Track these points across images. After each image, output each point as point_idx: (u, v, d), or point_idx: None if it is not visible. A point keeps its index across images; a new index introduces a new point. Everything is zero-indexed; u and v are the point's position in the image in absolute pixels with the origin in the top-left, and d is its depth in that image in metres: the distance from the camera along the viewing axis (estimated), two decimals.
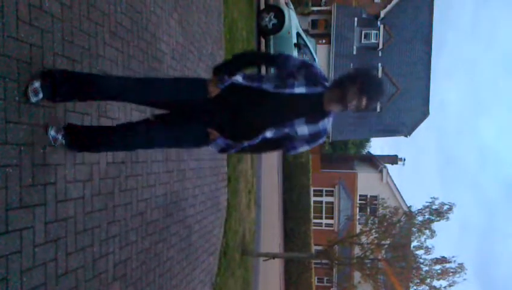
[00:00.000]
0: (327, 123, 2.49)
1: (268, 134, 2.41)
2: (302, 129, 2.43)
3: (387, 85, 21.90)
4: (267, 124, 2.39)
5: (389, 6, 21.81)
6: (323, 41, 21.97)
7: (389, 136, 24.77)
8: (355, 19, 21.50)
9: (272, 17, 11.41)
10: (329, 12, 21.88)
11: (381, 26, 21.76)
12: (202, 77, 2.60)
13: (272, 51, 11.61)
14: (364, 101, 2.33)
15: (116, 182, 3.23)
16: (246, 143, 2.43)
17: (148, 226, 3.83)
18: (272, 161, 17.13)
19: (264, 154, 13.76)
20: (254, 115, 2.40)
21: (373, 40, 21.91)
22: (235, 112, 2.41)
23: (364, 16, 22.17)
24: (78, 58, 2.72)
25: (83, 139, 2.49)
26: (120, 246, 3.25)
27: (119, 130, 2.54)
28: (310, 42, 12.45)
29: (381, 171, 24.70)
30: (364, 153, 37.90)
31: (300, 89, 2.38)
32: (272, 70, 2.59)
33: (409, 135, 23.33)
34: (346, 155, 34.89)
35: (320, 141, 2.55)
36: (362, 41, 21.97)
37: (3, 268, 2.04)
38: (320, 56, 18.43)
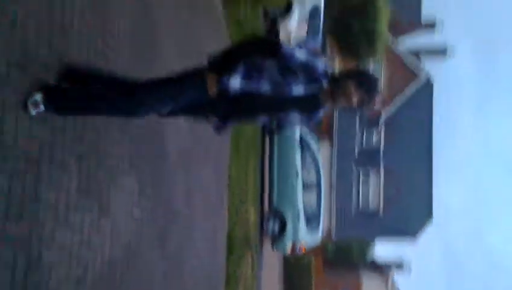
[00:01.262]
0: (321, 111, 2.59)
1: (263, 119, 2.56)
2: (295, 115, 2.53)
3: (389, 188, 21.91)
4: (261, 112, 2.52)
5: (389, 109, 22.56)
6: (326, 139, 22.43)
7: (393, 238, 24.21)
8: (357, 119, 22.15)
9: None
10: (332, 111, 22.62)
11: (382, 128, 22.34)
12: (200, 71, 2.43)
13: (276, 145, 11.87)
14: (357, 98, 2.38)
15: (112, 282, 3.08)
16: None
17: None
18: (272, 261, 16.54)
19: (265, 258, 13.32)
20: (250, 109, 2.48)
21: (375, 141, 22.38)
22: (232, 107, 2.47)
23: (365, 117, 22.88)
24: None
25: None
26: None
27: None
28: (312, 140, 12.71)
29: (386, 278, 23.77)
30: (368, 258, 36.70)
31: (298, 89, 2.41)
32: None
33: (414, 238, 22.82)
34: (350, 259, 33.76)
35: (314, 120, 2.62)
36: (364, 142, 22.44)
37: None
38: (323, 155, 18.68)
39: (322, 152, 19.20)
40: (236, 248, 7.85)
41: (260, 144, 11.60)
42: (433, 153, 22.72)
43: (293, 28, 12.28)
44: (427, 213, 22.62)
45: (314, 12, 13.04)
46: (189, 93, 2.39)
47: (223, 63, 2.39)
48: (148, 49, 4.02)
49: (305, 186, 12.24)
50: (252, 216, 10.35)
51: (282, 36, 12.32)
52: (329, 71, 2.47)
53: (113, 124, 3.16)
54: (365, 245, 28.82)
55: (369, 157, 21.75)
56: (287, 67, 2.38)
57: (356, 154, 22.11)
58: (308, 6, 12.55)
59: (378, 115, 23.17)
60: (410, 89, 22.11)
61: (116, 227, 3.18)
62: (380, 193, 21.90)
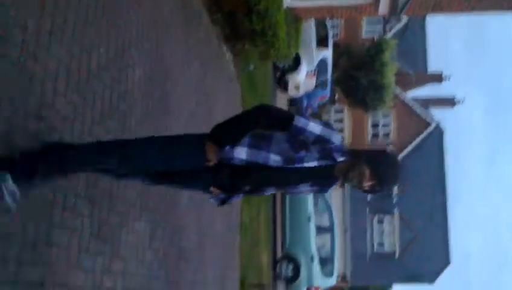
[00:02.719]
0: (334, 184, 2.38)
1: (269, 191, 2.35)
2: (305, 188, 2.34)
3: (405, 232, 21.52)
4: (269, 186, 2.33)
5: (400, 155, 22.51)
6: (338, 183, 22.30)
7: (410, 282, 23.48)
8: None
9: None
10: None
11: None
12: (201, 137, 2.21)
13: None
14: (369, 185, 2.17)
15: None
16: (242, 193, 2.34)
17: None
18: None
19: None
20: (256, 181, 2.28)
21: None
22: (236, 178, 2.25)
23: None
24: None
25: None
26: None
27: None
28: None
29: None
30: None
31: (310, 163, 2.19)
32: None
33: (432, 283, 22.14)
34: None
35: (325, 192, 2.45)
36: None
37: None
38: (335, 200, 18.58)
39: (335, 195, 19.11)
40: None
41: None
42: (448, 198, 22.44)
43: (302, 79, 12.69)
44: (444, 258, 22.04)
45: (322, 65, 13.48)
46: (184, 159, 2.19)
47: (226, 133, 2.17)
48: (161, 105, 4.21)
49: (319, 230, 12.17)
50: (265, 261, 10.25)
51: (291, 87, 12.74)
52: (345, 149, 2.24)
53: None
54: (383, 288, 27.96)
55: (383, 204, 21.51)
56: (299, 140, 2.17)
57: (369, 197, 21.93)
58: (316, 59, 13.00)
59: None
60: (421, 137, 22.20)
61: (127, 270, 3.24)
62: (395, 236, 21.51)
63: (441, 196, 22.25)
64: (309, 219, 11.83)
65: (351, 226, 21.05)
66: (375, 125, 22.47)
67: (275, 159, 2.16)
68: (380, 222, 21.74)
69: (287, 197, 11.95)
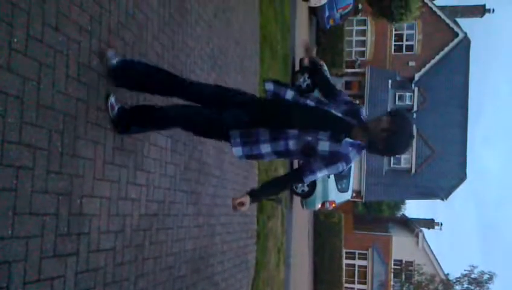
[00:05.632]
0: (351, 151, 2.48)
1: (291, 144, 2.48)
2: (324, 144, 2.45)
3: (422, 148, 21.58)
4: (294, 124, 2.49)
5: (423, 70, 21.91)
6: (357, 102, 22.10)
7: (424, 199, 24.05)
8: (389, 81, 21.68)
9: (306, 78, 11.69)
10: (363, 74, 22.21)
11: (416, 89, 21.82)
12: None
13: None
14: (382, 148, 2.46)
15: (147, 234, 3.26)
16: (269, 148, 2.54)
17: (176, 281, 3.80)
18: (302, 218, 16.81)
19: (295, 214, 13.53)
20: (284, 115, 2.55)
21: (407, 102, 21.92)
22: (267, 112, 2.60)
23: (398, 78, 22.34)
24: None
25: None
26: None
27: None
28: None
29: (417, 236, 23.79)
30: (399, 216, 36.74)
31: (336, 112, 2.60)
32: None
33: (446, 199, 22.60)
34: (380, 217, 33.93)
35: (340, 167, 2.49)
36: (396, 103, 22.01)
37: None
38: None
39: None
40: (267, 206, 8.02)
41: None
42: (469, 113, 22.11)
43: None
44: (460, 174, 22.26)
45: None
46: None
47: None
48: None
49: None
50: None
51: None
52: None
53: None
54: (395, 203, 28.79)
55: None
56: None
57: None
58: None
59: (411, 77, 22.57)
60: (447, 49, 21.33)
61: (151, 183, 3.32)
62: (412, 153, 21.62)
63: (462, 112, 21.95)
64: None
65: None
66: (398, 38, 21.66)
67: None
68: None
69: None
